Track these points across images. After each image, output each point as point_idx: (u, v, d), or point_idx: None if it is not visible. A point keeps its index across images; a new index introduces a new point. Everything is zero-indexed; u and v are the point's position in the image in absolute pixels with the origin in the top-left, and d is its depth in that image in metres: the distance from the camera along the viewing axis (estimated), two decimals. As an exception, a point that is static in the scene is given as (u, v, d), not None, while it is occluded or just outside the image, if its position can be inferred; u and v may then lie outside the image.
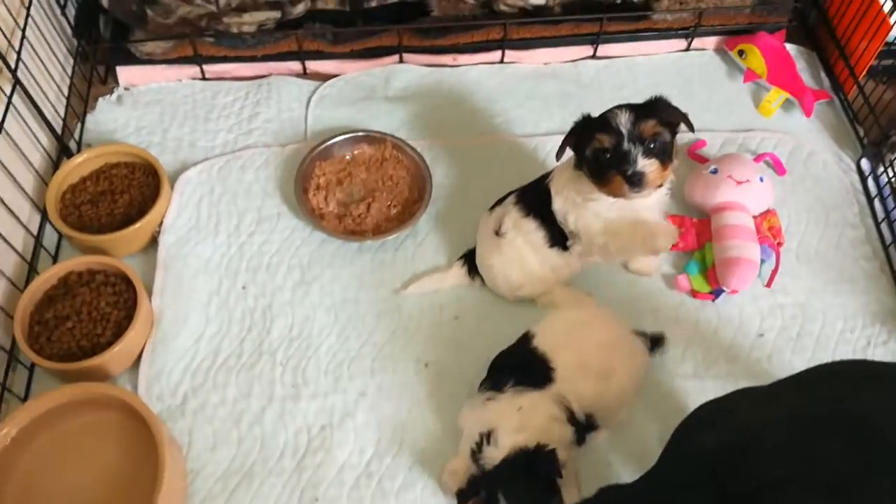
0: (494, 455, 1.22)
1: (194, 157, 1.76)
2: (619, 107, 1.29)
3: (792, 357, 1.53)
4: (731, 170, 1.63)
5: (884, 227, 1.72)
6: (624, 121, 1.26)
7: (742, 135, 1.84)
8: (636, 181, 1.26)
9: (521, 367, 1.35)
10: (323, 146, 1.72)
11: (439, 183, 1.73)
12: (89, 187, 1.65)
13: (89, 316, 1.47)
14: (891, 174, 1.73)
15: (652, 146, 1.27)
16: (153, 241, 1.62)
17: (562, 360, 1.33)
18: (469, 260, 1.58)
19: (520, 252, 1.47)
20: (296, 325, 1.53)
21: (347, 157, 1.75)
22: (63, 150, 1.74)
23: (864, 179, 1.80)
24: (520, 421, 1.26)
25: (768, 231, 1.63)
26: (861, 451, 0.88)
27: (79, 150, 1.76)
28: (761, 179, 1.64)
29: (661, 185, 1.33)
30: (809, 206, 1.74)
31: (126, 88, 1.88)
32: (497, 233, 1.49)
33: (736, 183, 1.62)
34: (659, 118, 1.28)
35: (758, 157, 1.76)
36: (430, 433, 1.42)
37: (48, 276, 1.49)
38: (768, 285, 1.61)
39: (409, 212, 1.67)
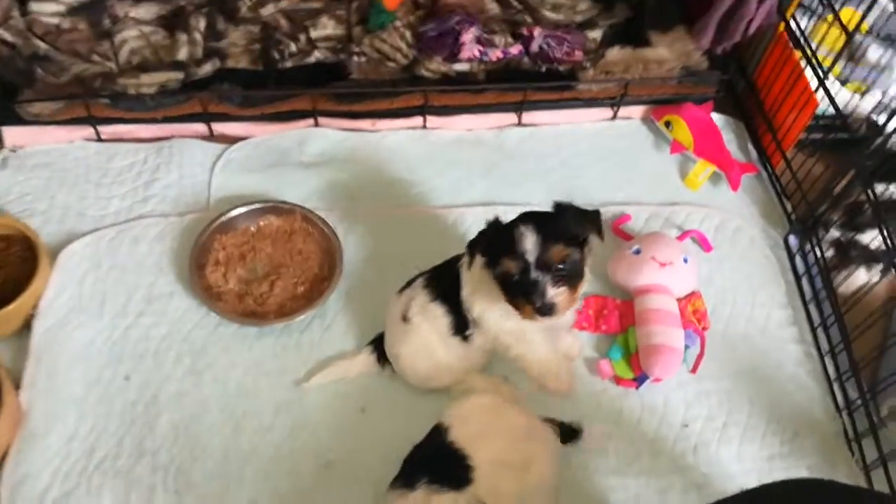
0: None
1: (82, 228, 1.62)
2: (527, 221, 1.22)
3: (718, 448, 1.46)
4: (654, 251, 1.56)
5: (812, 307, 1.67)
6: (531, 246, 1.19)
7: (668, 209, 1.78)
8: (546, 312, 1.21)
9: (436, 463, 1.23)
10: (225, 217, 1.59)
11: (352, 258, 1.62)
12: (-41, 262, 1.49)
13: (-55, 412, 1.31)
14: (818, 253, 1.69)
15: (562, 271, 1.21)
16: (26, 325, 1.47)
17: (480, 455, 1.22)
18: (378, 346, 1.47)
19: (426, 339, 1.37)
20: (182, 422, 1.39)
21: (252, 230, 1.63)
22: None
23: (791, 257, 1.75)
24: None
25: (692, 315, 1.56)
26: None
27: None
28: (685, 261, 1.58)
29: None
30: (736, 284, 1.68)
31: (12, 150, 1.73)
32: (404, 318, 1.38)
33: (659, 265, 1.55)
34: (567, 236, 1.22)
35: (682, 235, 1.71)
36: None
37: None
38: (693, 371, 1.53)
39: (318, 290, 1.55)
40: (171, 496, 1.31)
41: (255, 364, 1.47)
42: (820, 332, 1.63)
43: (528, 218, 1.23)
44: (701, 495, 1.39)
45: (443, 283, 1.38)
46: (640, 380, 1.51)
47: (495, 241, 1.25)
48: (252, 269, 1.58)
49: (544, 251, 1.19)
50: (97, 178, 1.69)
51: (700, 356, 1.54)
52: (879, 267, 1.63)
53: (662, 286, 1.55)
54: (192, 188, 1.71)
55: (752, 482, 1.41)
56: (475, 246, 1.28)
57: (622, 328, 1.56)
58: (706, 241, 1.72)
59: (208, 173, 1.73)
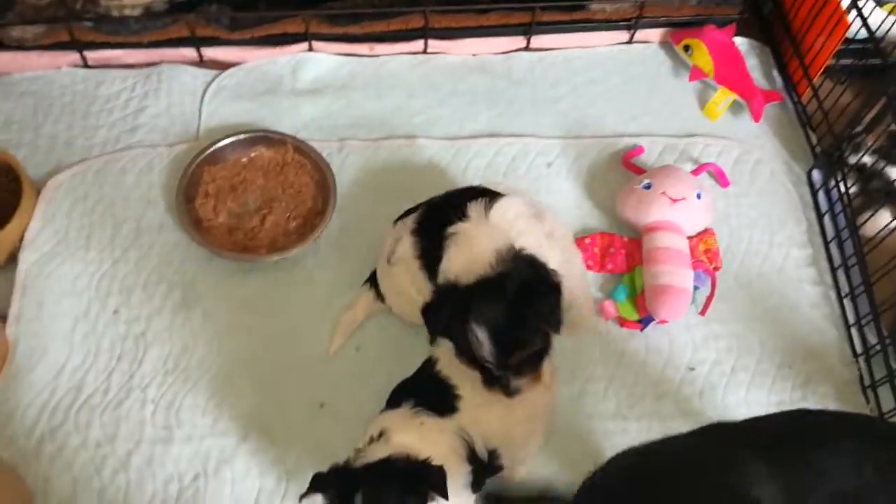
0: (378, 451, 1.06)
1: (70, 159, 1.57)
2: (483, 320, 1.08)
3: (725, 393, 1.41)
4: (665, 186, 1.47)
5: (833, 247, 1.57)
6: (488, 355, 1.09)
7: (684, 140, 1.68)
8: (512, 394, 1.13)
9: (423, 390, 1.20)
10: (214, 147, 1.53)
11: (347, 192, 1.55)
12: (-58, 194, 1.45)
13: (-70, 346, 1.29)
14: (843, 189, 1.59)
15: (527, 359, 1.13)
16: (12, 258, 1.43)
17: (467, 387, 1.18)
18: (374, 281, 1.42)
19: (405, 285, 1.30)
20: (172, 357, 1.37)
21: (243, 161, 1.56)
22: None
23: (814, 193, 1.65)
24: (419, 434, 1.11)
25: (704, 254, 1.48)
26: None
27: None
28: (699, 196, 1.49)
29: None
30: (753, 222, 1.59)
31: (-4, 77, 1.67)
32: (388, 260, 1.32)
33: (671, 201, 1.46)
34: (529, 335, 1.12)
35: (698, 169, 1.61)
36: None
37: None
38: (702, 313, 1.47)
39: (311, 225, 1.49)
40: (160, 431, 1.30)
41: (247, 300, 1.43)
42: (840, 273, 1.54)
43: (484, 315, 1.09)
44: (704, 440, 1.35)
45: (430, 231, 1.28)
46: (645, 322, 1.45)
47: (452, 331, 1.14)
48: (243, 203, 1.52)
49: (503, 358, 1.10)
50: (84, 107, 1.63)
51: (710, 297, 1.47)
52: (907, 205, 1.53)
53: (673, 223, 1.46)
54: (181, 117, 1.64)
55: (758, 428, 1.37)
56: (433, 325, 1.18)
57: (629, 267, 1.49)
58: (723, 176, 1.62)
59: (198, 101, 1.65)
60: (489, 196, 1.22)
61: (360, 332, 1.41)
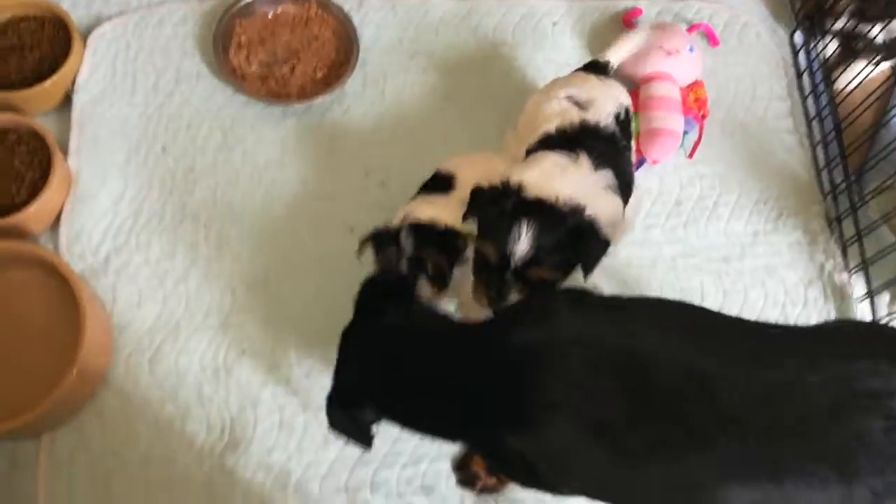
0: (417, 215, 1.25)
1: (108, 11, 1.67)
2: (534, 220, 1.10)
3: (707, 224, 1.59)
4: (661, 40, 1.62)
5: (809, 101, 1.74)
6: (520, 253, 1.10)
7: (679, 4, 1.81)
8: (496, 306, 1.15)
9: (430, 185, 1.39)
10: (243, 2, 1.64)
11: (367, 46, 1.68)
12: (-3, 41, 1.56)
13: (4, 175, 1.43)
14: (821, 48, 1.74)
15: (532, 283, 1.13)
16: (67, 100, 1.56)
17: (465, 173, 1.35)
18: None
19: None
20: (218, 188, 1.52)
21: (270, 15, 1.67)
22: (-34, 0, 1.63)
23: (795, 53, 1.80)
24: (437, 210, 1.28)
25: (694, 103, 1.64)
26: (634, 399, 0.89)
27: (-17, 1, 1.65)
28: (691, 50, 1.63)
29: None
30: (738, 77, 1.75)
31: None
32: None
33: (665, 53, 1.61)
34: (558, 260, 1.13)
35: (691, 28, 1.75)
36: (351, 297, 1.44)
37: (-44, 134, 1.44)
38: (690, 156, 1.64)
39: (336, 75, 1.63)
40: (213, 251, 1.46)
41: (281, 141, 1.58)
42: (815, 124, 1.72)
43: (535, 214, 1.11)
44: (687, 263, 1.54)
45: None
46: (638, 163, 1.60)
47: (494, 219, 1.13)
48: (272, 53, 1.65)
49: (529, 265, 1.11)
50: (119, -38, 1.72)
51: (697, 142, 1.63)
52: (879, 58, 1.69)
53: (667, 74, 1.61)
54: (209, -27, 1.73)
55: (735, 254, 1.56)
56: (477, 204, 1.19)
57: (626, 114, 1.65)
58: (713, 36, 1.76)
59: (226, -41, 1.75)
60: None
61: (382, 168, 1.57)
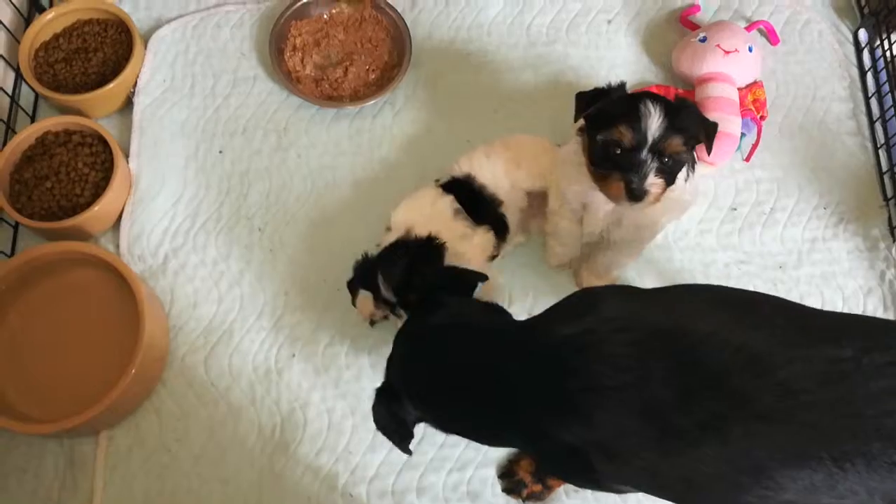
0: (387, 239, 1.32)
1: (168, 14, 1.71)
2: (654, 100, 1.13)
3: (763, 231, 1.56)
4: (719, 39, 1.58)
5: (873, 102, 1.68)
6: (654, 125, 1.12)
7: (738, 0, 1.76)
8: (637, 196, 1.15)
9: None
10: (298, 4, 1.66)
11: (419, 47, 1.68)
12: (62, 44, 1.61)
13: (68, 176, 1.48)
14: (887, 46, 1.67)
15: (668, 163, 1.15)
16: (128, 103, 1.61)
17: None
18: None
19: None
20: (273, 191, 1.55)
21: (325, 17, 1.69)
22: (34, 4, 1.68)
23: (859, 51, 1.74)
24: (429, 217, 1.33)
25: (752, 104, 1.60)
26: (682, 378, 0.87)
27: (50, 5, 1.70)
28: (750, 49, 1.59)
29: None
30: (799, 77, 1.70)
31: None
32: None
33: (724, 53, 1.57)
34: (688, 133, 1.16)
35: (751, 26, 1.70)
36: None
37: (25, 135, 1.49)
38: (747, 159, 1.60)
39: (388, 77, 1.64)
40: (267, 253, 1.49)
41: (334, 144, 1.60)
42: (878, 126, 1.66)
43: (653, 97, 1.15)
44: (741, 270, 1.51)
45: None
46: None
47: (614, 106, 1.16)
48: (326, 56, 1.66)
49: (665, 136, 1.13)
50: (177, -34, 1.75)
51: (755, 145, 1.59)
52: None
53: (725, 74, 1.57)
54: (266, -24, 1.76)
55: (792, 262, 1.53)
56: (584, 102, 1.21)
57: (681, 116, 1.62)
58: (774, 33, 1.71)
59: (281, -39, 1.77)
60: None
61: (435, 170, 1.57)
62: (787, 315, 0.95)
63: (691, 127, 1.16)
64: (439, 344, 1.04)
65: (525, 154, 1.42)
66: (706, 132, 1.20)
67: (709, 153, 1.24)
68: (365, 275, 1.30)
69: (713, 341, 0.88)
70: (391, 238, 1.32)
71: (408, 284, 1.24)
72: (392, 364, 1.09)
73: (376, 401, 1.06)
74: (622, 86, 1.20)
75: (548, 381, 0.94)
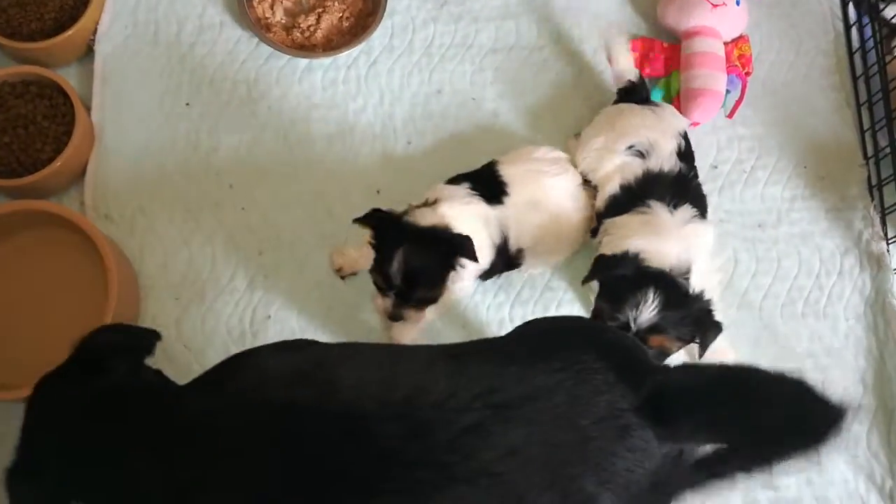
0: (427, 216, 1.23)
1: (128, -45, 1.61)
2: (659, 289, 1.16)
3: (744, 189, 1.54)
4: (706, -10, 1.53)
5: (857, 57, 1.66)
6: (644, 317, 1.16)
7: (725, -50, 1.70)
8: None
9: (480, 180, 1.35)
10: (267, -54, 1.57)
11: (396, -8, 1.61)
12: (15, -14, 1.51)
13: (26, 130, 1.41)
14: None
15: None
16: (88, 51, 1.52)
17: (517, 191, 1.33)
18: None
19: None
20: (244, 145, 1.49)
21: (296, -39, 1.61)
22: (-19, -59, 1.57)
23: (844, 4, 1.70)
24: (464, 211, 1.27)
25: (738, 60, 1.57)
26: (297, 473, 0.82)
27: (-1, -57, 1.58)
28: (738, 3, 1.55)
29: None
30: (783, 31, 1.66)
31: None
32: None
33: (711, 6, 1.53)
34: (676, 335, 1.19)
35: (737, -24, 1.65)
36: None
37: (-23, 85, 1.41)
38: (730, 116, 1.57)
39: (363, 25, 1.57)
40: (239, 211, 1.45)
41: (306, 96, 1.53)
42: (861, 83, 1.64)
43: (662, 285, 1.17)
44: (721, 229, 1.50)
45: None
46: (676, 123, 1.55)
47: (622, 286, 1.19)
48: (297, 2, 1.59)
49: (650, 330, 1.17)
50: None
51: (739, 101, 1.57)
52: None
53: (712, 28, 1.54)
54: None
55: (771, 221, 1.52)
56: (598, 269, 1.25)
57: (666, 72, 1.58)
58: (759, -16, 1.67)
59: None
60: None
61: (412, 128, 1.53)
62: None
63: (684, 331, 1.19)
64: (88, 420, 0.90)
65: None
66: (703, 338, 1.21)
67: (700, 355, 1.23)
68: (384, 233, 1.22)
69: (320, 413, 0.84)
70: (430, 218, 1.23)
71: (421, 283, 1.20)
72: (34, 432, 0.92)
73: (11, 479, 0.88)
74: (635, 258, 1.21)
75: (165, 471, 0.85)
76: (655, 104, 1.43)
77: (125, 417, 0.90)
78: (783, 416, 0.84)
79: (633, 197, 1.30)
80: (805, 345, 1.44)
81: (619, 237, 1.26)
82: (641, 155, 1.32)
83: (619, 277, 1.20)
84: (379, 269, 1.20)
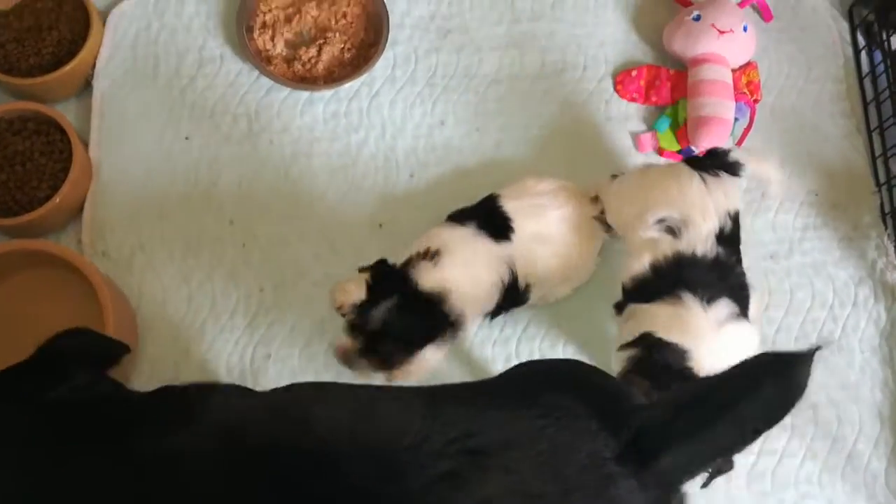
0: (427, 274, 1.21)
1: (127, -12, 1.59)
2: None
3: (754, 218, 1.50)
4: (714, 17, 1.51)
5: (867, 82, 1.63)
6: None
7: (731, -25, 1.68)
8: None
9: (482, 215, 1.32)
10: (268, -23, 1.55)
11: (400, 23, 1.58)
12: (13, 23, 1.48)
13: (23, 167, 1.38)
14: (882, 28, 1.61)
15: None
16: (87, 86, 1.50)
17: (523, 225, 1.30)
18: None
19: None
20: (244, 180, 1.46)
21: (298, -9, 1.59)
22: (-21, -24, 1.56)
23: (853, 29, 1.68)
24: (472, 256, 1.26)
25: (746, 87, 1.54)
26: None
27: (-3, -23, 1.57)
28: (745, 29, 1.52)
29: None
30: (792, 56, 1.64)
31: None
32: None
33: (719, 33, 1.50)
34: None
35: (744, 2, 1.63)
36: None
37: (-25, 123, 1.39)
38: (739, 144, 1.55)
39: (364, 56, 1.55)
40: (239, 248, 1.42)
41: (307, 129, 1.51)
42: (872, 108, 1.61)
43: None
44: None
45: None
46: (685, 152, 1.52)
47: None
48: (298, 33, 1.56)
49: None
50: (135, -65, 1.63)
51: (747, 129, 1.54)
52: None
53: (719, 56, 1.51)
54: (232, -54, 1.64)
55: (783, 251, 1.49)
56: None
57: (672, 100, 1.55)
58: (767, 9, 1.64)
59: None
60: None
61: (415, 160, 1.50)
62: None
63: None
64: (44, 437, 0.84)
65: None
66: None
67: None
68: (381, 281, 1.22)
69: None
70: (431, 280, 1.21)
71: (394, 337, 1.18)
72: None
73: None
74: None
75: None
76: (716, 174, 1.23)
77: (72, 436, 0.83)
78: (760, 401, 0.78)
79: (664, 281, 1.15)
80: (819, 378, 1.40)
81: (645, 329, 1.14)
82: (673, 232, 1.17)
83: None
84: (360, 308, 1.19)
